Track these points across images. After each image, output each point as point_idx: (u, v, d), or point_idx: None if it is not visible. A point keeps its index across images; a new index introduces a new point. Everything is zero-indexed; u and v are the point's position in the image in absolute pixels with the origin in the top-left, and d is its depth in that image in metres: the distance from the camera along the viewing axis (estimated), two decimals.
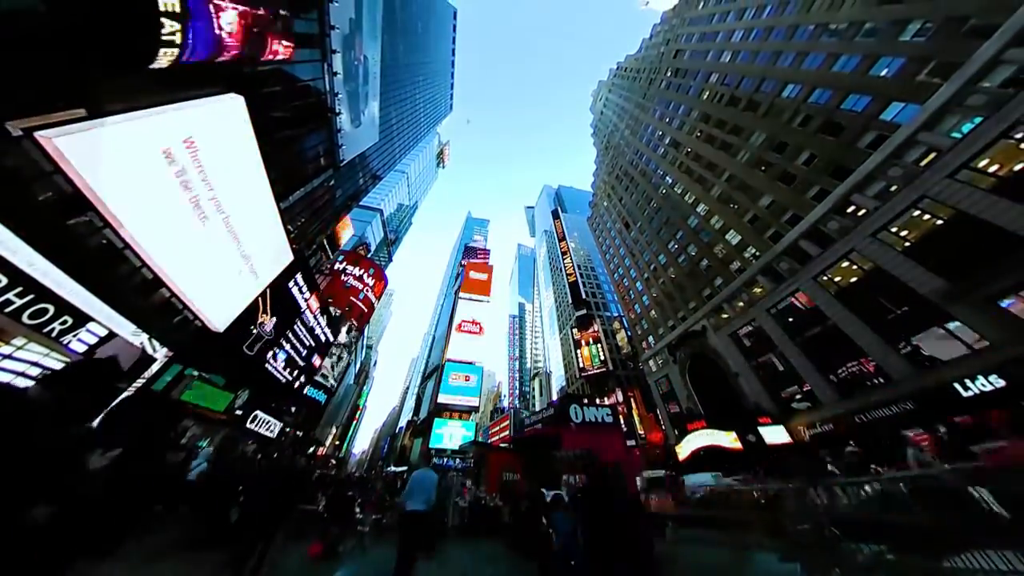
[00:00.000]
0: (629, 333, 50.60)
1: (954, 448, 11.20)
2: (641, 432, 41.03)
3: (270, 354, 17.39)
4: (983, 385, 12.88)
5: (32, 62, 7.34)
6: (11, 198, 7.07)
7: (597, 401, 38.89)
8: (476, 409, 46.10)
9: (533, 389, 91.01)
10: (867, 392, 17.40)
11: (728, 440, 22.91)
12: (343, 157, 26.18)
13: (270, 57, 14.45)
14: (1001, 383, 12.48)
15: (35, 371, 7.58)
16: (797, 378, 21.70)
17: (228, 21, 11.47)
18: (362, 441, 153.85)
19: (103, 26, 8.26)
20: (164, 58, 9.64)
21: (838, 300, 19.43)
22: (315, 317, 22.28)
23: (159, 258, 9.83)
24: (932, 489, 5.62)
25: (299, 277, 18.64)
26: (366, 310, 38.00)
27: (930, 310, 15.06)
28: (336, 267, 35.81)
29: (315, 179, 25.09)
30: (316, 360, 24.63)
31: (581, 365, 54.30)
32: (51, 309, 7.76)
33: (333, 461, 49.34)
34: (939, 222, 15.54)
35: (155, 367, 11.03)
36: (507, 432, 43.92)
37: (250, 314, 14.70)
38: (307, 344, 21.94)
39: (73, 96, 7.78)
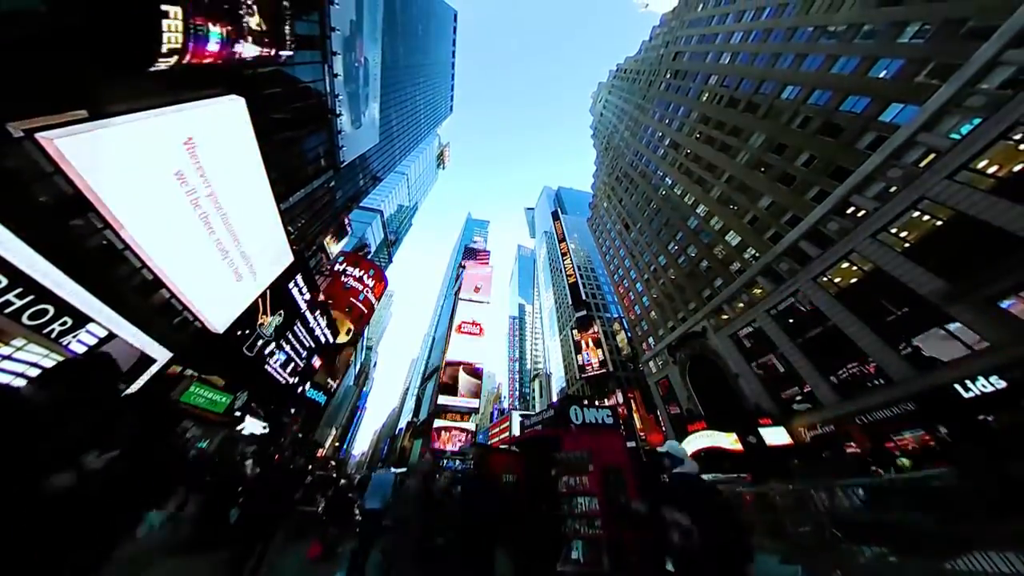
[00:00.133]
0: (629, 334, 50.55)
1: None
2: (641, 434, 40.94)
3: (269, 351, 17.38)
4: (984, 386, 12.85)
5: (33, 63, 7.36)
6: (12, 199, 7.09)
7: (597, 402, 38.84)
8: (476, 411, 46.04)
9: (533, 390, 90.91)
10: (868, 393, 17.38)
11: (729, 441, 22.88)
12: (343, 158, 26.24)
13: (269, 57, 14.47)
14: (1002, 384, 12.46)
15: (34, 372, 7.58)
16: (797, 379, 21.66)
17: (229, 23, 11.52)
18: (362, 442, 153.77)
19: (104, 28, 8.29)
20: (165, 60, 9.67)
21: (838, 301, 19.43)
22: (315, 318, 22.29)
23: (159, 259, 9.84)
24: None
25: (299, 278, 18.67)
26: (366, 311, 38.00)
27: (930, 311, 15.06)
28: (336, 268, 35.84)
29: (315, 180, 25.13)
30: (316, 361, 24.62)
31: (581, 365, 54.25)
32: (51, 310, 7.77)
33: (332, 463, 49.23)
34: (939, 223, 15.55)
35: (155, 368, 11.03)
36: (507, 434, 43.85)
37: (250, 315, 14.70)
38: (307, 345, 21.94)
39: (74, 97, 7.80)
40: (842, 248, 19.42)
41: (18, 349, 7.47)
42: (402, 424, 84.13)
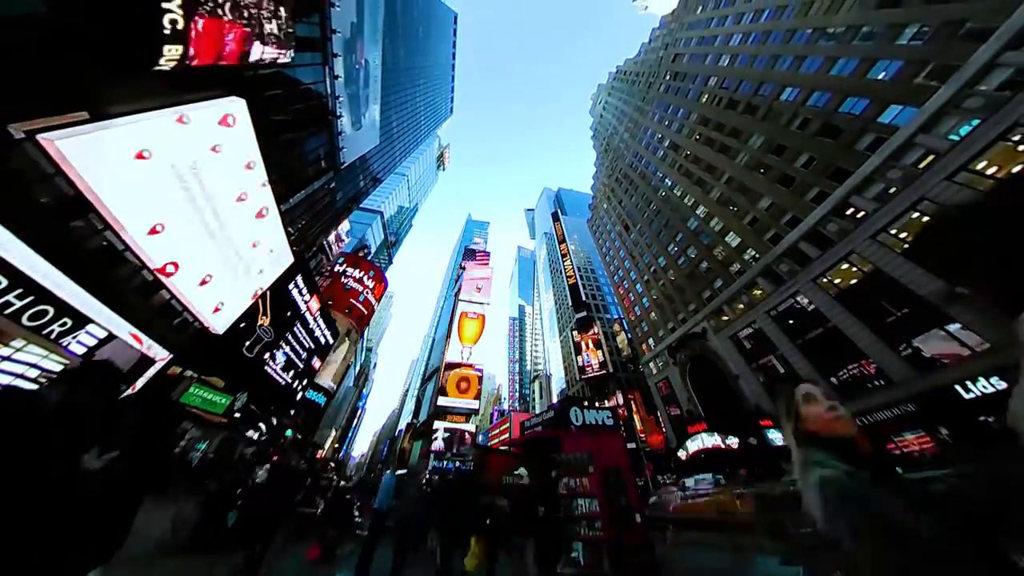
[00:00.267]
0: (629, 335, 50.52)
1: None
2: (642, 435, 40.86)
3: (268, 353, 17.36)
4: (984, 387, 12.84)
5: (34, 65, 7.38)
6: (13, 200, 7.09)
7: (597, 404, 38.76)
8: (476, 412, 45.96)
9: (533, 392, 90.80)
10: (868, 394, 17.36)
11: (729, 442, 22.83)
12: (344, 160, 26.28)
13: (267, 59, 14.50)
14: (1003, 385, 12.45)
15: (34, 372, 7.57)
16: (798, 380, 21.32)
17: (229, 24, 11.54)
18: (361, 444, 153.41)
19: (105, 29, 8.31)
20: (166, 61, 9.69)
21: (838, 302, 19.42)
22: (315, 319, 22.28)
23: (159, 260, 9.85)
24: None
25: (299, 279, 18.67)
26: (366, 312, 37.99)
27: (930, 312, 15.05)
28: (336, 269, 35.86)
29: (316, 181, 25.16)
30: (316, 362, 24.59)
31: (581, 366, 54.19)
32: (51, 311, 7.77)
33: (332, 464, 49.13)
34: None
35: (154, 369, 11.02)
36: (507, 435, 43.75)
37: (250, 316, 14.70)
38: (307, 346, 21.93)
39: (75, 99, 7.82)
40: (842, 249, 19.42)
41: (18, 350, 7.47)
42: (402, 425, 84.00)
